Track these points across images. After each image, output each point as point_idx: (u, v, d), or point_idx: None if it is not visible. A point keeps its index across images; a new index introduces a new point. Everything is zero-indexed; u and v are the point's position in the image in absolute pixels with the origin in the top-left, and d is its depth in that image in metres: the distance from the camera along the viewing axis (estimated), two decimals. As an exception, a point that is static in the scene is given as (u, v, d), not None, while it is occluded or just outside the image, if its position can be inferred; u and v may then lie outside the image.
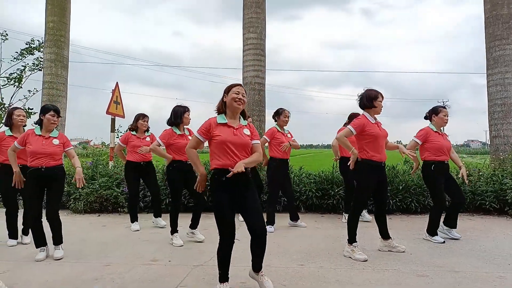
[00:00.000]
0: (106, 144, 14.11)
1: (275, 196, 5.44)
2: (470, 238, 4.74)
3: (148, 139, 5.45)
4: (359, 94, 4.12)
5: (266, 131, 5.98)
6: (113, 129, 8.51)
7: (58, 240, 4.08)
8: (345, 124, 5.93)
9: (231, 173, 2.79)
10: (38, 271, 3.57)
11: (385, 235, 4.19)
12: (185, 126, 4.78)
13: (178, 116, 4.61)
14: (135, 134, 5.46)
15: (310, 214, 6.39)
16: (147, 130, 5.56)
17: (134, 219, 5.40)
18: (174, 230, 4.59)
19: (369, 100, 4.00)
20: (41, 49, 9.69)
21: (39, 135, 4.03)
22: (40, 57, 9.71)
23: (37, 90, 9.95)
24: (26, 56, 9.79)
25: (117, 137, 9.02)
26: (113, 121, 8.47)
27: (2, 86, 9.22)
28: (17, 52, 9.60)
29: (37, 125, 4.12)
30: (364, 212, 5.83)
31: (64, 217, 6.31)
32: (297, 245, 4.46)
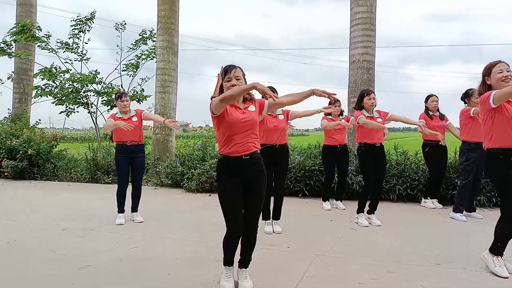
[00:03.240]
0: (211, 127, 14.74)
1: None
2: None
3: (343, 120, 5.52)
4: None
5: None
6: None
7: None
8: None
9: None
10: (166, 248, 3.74)
11: None
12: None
13: (360, 99, 4.71)
14: (331, 117, 5.53)
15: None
16: (341, 114, 5.62)
17: (326, 198, 5.68)
18: (361, 210, 4.66)
19: None
20: (153, 38, 10.33)
21: (269, 114, 4.22)
22: (151, 48, 10.38)
23: (148, 78, 10.71)
24: (140, 46, 10.54)
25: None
26: (218, 104, 8.68)
27: (122, 72, 10.08)
28: (132, 44, 10.42)
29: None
30: None
31: (179, 195, 6.73)
32: (427, 240, 3.98)
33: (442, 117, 5.58)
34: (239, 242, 2.74)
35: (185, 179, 7.05)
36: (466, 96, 5.17)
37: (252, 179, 2.63)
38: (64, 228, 4.47)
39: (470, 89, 5.13)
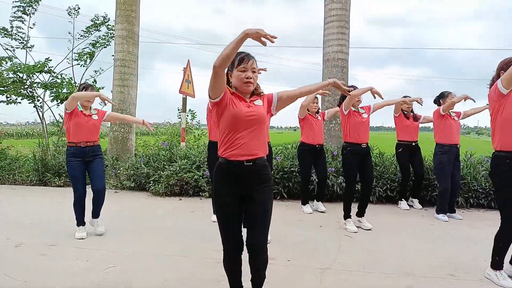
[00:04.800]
0: (172, 123, 13.94)
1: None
2: None
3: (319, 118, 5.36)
4: None
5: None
6: (184, 109, 8.18)
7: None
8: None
9: None
10: (150, 267, 3.23)
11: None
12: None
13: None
14: (309, 113, 5.26)
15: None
16: (318, 111, 5.38)
17: (306, 202, 5.48)
18: (347, 215, 4.46)
19: None
20: (107, 25, 9.50)
21: None
22: (104, 35, 9.57)
23: (102, 70, 9.85)
24: (92, 32, 9.66)
25: (192, 118, 8.68)
26: (184, 100, 8.11)
27: (75, 61, 9.13)
28: (83, 30, 9.52)
29: None
30: None
31: (145, 199, 6.11)
32: (426, 248, 3.84)
33: (416, 118, 5.60)
34: (240, 263, 2.34)
35: (151, 182, 6.44)
36: (442, 97, 5.16)
37: (255, 189, 2.22)
38: (17, 244, 3.76)
39: (446, 91, 5.13)
